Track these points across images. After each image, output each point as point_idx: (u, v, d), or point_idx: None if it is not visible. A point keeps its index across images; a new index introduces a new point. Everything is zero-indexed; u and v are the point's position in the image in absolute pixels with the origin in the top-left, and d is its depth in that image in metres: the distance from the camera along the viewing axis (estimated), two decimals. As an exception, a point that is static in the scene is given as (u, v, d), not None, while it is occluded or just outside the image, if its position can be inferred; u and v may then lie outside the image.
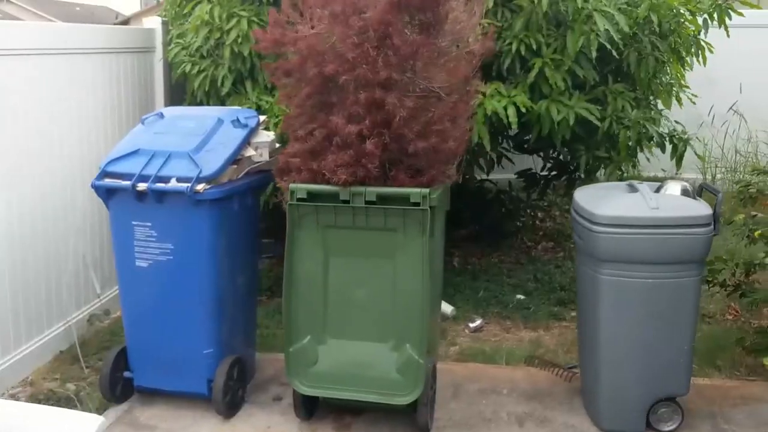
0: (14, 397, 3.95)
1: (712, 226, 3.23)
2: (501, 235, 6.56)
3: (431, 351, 3.58)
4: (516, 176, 6.41)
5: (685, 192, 3.39)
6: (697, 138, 5.69)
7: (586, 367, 3.67)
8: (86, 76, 4.61)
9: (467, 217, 6.79)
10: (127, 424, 3.60)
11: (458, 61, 3.24)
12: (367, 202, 3.18)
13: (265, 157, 3.72)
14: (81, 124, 4.55)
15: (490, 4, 4.49)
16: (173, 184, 3.34)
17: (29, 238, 4.13)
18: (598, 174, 5.56)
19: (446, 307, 5.12)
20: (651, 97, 5.27)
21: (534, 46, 4.49)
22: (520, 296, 5.41)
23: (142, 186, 3.35)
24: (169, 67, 5.29)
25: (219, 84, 4.76)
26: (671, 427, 3.49)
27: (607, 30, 4.30)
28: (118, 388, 3.74)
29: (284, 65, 3.31)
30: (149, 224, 3.45)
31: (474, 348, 4.57)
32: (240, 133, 3.59)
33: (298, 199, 3.24)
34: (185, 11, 5.03)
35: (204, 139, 3.53)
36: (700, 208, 3.25)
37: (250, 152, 3.65)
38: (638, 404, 3.44)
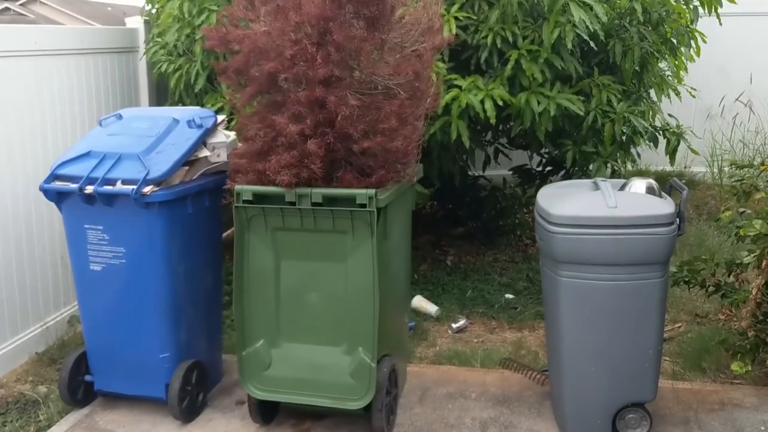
0: (-16, 399, 3.96)
1: (675, 226, 3.07)
2: (497, 233, 6.42)
3: (394, 354, 3.49)
4: (511, 172, 6.26)
5: (650, 189, 3.23)
6: (693, 132, 5.45)
7: (552, 370, 3.54)
8: (65, 77, 4.59)
9: (463, 214, 6.67)
10: (85, 429, 3.58)
11: (408, 57, 3.12)
12: (313, 204, 3.09)
13: (223, 158, 3.66)
14: (58, 125, 4.54)
15: (466, -3, 4.38)
16: (119, 186, 3.29)
17: (2, 241, 4.12)
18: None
19: (430, 307, 5.02)
20: (642, 90, 5.09)
21: (510, 39, 4.36)
22: (509, 296, 5.28)
23: (89, 189, 3.31)
24: (151, 66, 5.27)
25: (192, 82, 4.71)
26: (640, 434, 3.34)
27: (583, 20, 4.14)
28: (79, 392, 3.72)
29: (231, 64, 3.23)
30: (101, 227, 3.41)
31: (453, 349, 4.46)
32: (194, 134, 3.53)
33: (245, 201, 3.17)
34: (158, 6, 4.99)
35: (156, 141, 3.47)
36: (662, 207, 3.09)
37: (205, 153, 3.58)
38: (604, 410, 3.29)
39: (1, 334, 4.20)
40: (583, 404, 3.30)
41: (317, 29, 2.95)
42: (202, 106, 4.82)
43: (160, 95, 5.61)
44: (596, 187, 3.30)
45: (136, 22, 5.49)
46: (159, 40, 5.06)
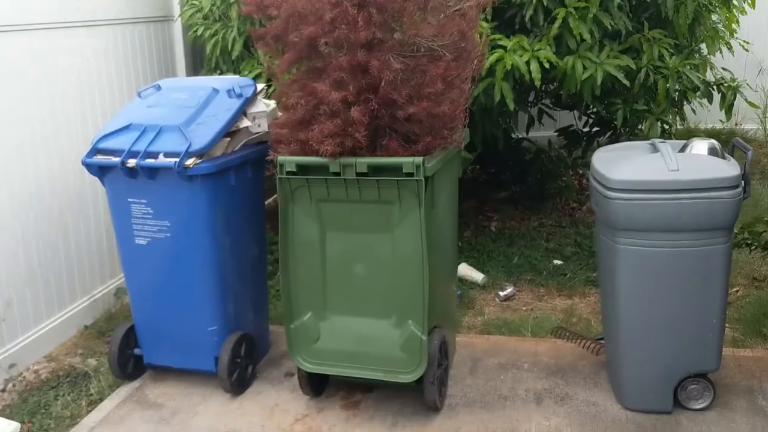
0: (36, 372, 4.00)
1: (740, 189, 2.90)
2: (542, 197, 6.26)
3: (443, 325, 3.41)
4: (556, 134, 6.07)
5: (712, 151, 3.06)
6: (748, 86, 5.19)
7: (609, 340, 3.43)
8: (101, 48, 4.54)
9: (506, 179, 6.52)
10: (136, 403, 3.58)
11: (452, 17, 2.97)
12: (358, 174, 2.99)
13: (264, 127, 3.57)
14: (96, 97, 4.50)
15: (509, -49, 4.18)
16: (161, 159, 3.23)
17: (48, 213, 4.13)
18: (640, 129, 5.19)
19: (476, 275, 4.92)
20: (694, 44, 4.84)
21: (557, -5, 4.16)
22: (557, 262, 5.15)
23: (131, 162, 3.26)
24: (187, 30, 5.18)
25: (229, 48, 4.61)
26: (702, 405, 3.22)
27: (634, -28, 3.92)
28: (129, 365, 3.72)
29: (269, 30, 3.12)
30: (144, 201, 3.37)
31: (501, 318, 4.37)
32: (234, 104, 3.45)
33: (288, 173, 3.08)
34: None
35: (196, 112, 3.40)
36: (727, 169, 2.92)
37: (246, 123, 3.50)
38: (664, 381, 3.18)
39: (50, 307, 4.22)
40: (643, 375, 3.19)
41: (358, -10, 2.82)
42: (239, 72, 4.73)
43: (197, 63, 5.53)
44: (655, 149, 3.14)
45: (170, -11, 5.39)
46: (195, 2, 4.95)
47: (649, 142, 3.26)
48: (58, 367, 4.05)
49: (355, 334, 3.23)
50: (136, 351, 3.71)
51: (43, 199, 4.11)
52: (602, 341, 3.70)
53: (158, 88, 3.69)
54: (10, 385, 3.83)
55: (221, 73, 4.91)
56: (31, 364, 4.07)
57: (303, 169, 3.08)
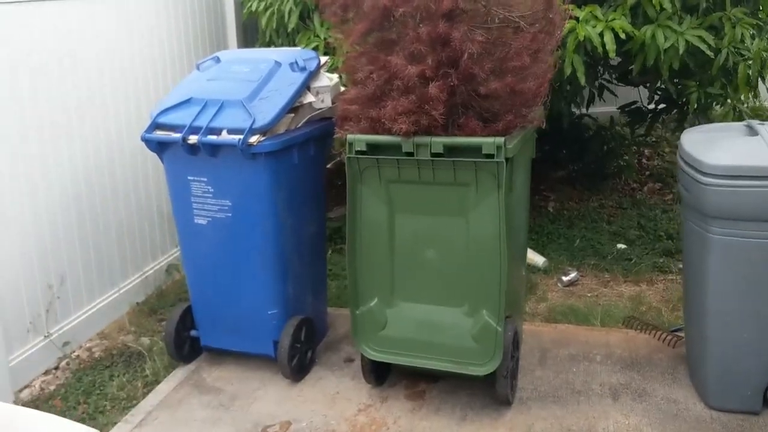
0: (89, 350, 3.92)
1: None
2: (602, 177, 6.02)
3: (514, 315, 3.24)
4: (619, 110, 5.80)
5: (818, 133, 2.81)
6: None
7: (692, 334, 3.22)
8: (154, 20, 4.39)
9: (564, 156, 6.28)
10: (193, 386, 3.48)
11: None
12: (433, 155, 2.81)
13: (327, 103, 3.40)
14: (148, 70, 4.37)
15: None
16: (224, 136, 3.07)
17: (98, 189, 4.03)
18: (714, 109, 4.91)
19: (537, 259, 4.73)
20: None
21: (634, -38, 3.89)
22: (621, 245, 4.93)
23: (193, 139, 3.11)
24: (241, 5, 5.02)
25: (285, 20, 4.43)
26: (795, 408, 3.01)
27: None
28: (185, 347, 3.62)
29: (339, -1, 2.93)
30: (205, 179, 3.23)
31: (566, 305, 4.18)
32: (298, 78, 3.28)
33: (357, 152, 2.91)
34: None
35: (259, 86, 3.23)
36: (839, 154, 2.68)
37: (309, 98, 3.33)
38: (755, 381, 2.97)
39: (102, 285, 4.13)
40: (731, 373, 2.99)
41: (440, -44, 2.61)
42: (295, 45, 4.56)
43: (248, 36, 5.37)
44: (753, 131, 2.90)
45: (222, -43, 5.22)
46: (247, -23, 4.78)
47: (745, 123, 3.02)
48: (111, 345, 3.97)
49: (423, 322, 3.07)
50: (193, 333, 3.61)
51: (97, 176, 4.02)
52: (679, 333, 3.50)
53: (217, 60, 3.53)
54: (63, 363, 3.76)
55: (275, 46, 4.74)
56: (84, 342, 3.99)
57: (373, 148, 2.90)
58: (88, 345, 3.98)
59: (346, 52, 3.07)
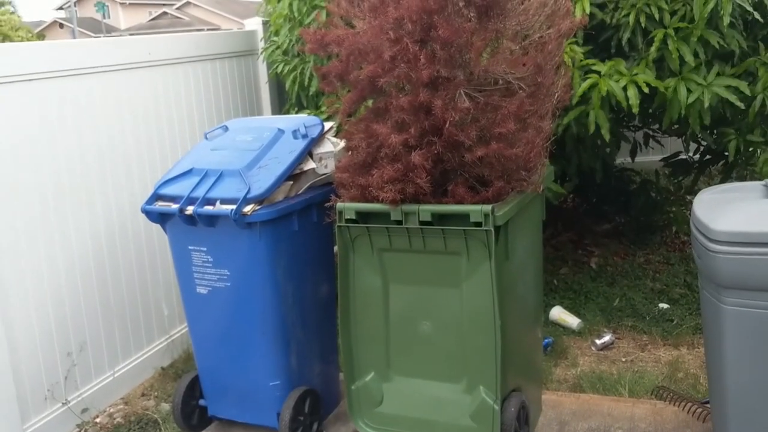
0: (110, 416, 3.95)
1: None
2: (648, 230, 5.75)
3: (525, 386, 3.07)
4: (662, 162, 5.56)
5: (842, 194, 2.58)
6: None
7: (715, 408, 2.96)
8: (182, 85, 4.51)
9: (609, 210, 6.05)
10: (199, 457, 3.44)
11: (528, 48, 2.66)
12: (422, 222, 2.72)
13: (331, 168, 3.37)
14: (176, 134, 4.46)
15: (603, -30, 3.82)
16: (219, 207, 3.08)
17: (122, 254, 4.10)
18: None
19: (571, 320, 4.52)
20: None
21: (656, 16, 3.74)
22: (663, 305, 4.67)
23: (189, 209, 3.13)
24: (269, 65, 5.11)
25: (306, 84, 4.47)
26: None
27: (746, -14, 3.47)
28: (194, 416, 3.59)
29: (332, 68, 2.91)
30: (204, 249, 3.23)
31: (596, 372, 3.95)
32: (298, 145, 3.26)
33: (348, 220, 2.85)
34: (273, 6, 4.80)
35: (259, 155, 3.24)
36: None
37: (311, 165, 3.31)
38: (783, 465, 2.69)
39: (125, 349, 4.17)
40: (756, 456, 2.72)
41: (419, 25, 2.56)
42: (318, 107, 4.58)
43: (281, 97, 5.45)
44: (769, 192, 2.69)
45: (254, 24, 5.35)
46: (275, 39, 4.87)
47: (763, 183, 2.80)
48: (131, 411, 3.99)
49: (421, 399, 2.94)
50: (201, 402, 3.57)
51: (121, 241, 4.09)
52: (709, 406, 3.23)
53: (225, 129, 3.57)
54: (81, 430, 3.79)
55: (302, 108, 4.78)
56: (106, 407, 4.02)
57: (363, 216, 2.84)
58: (110, 410, 4.02)
59: (343, 120, 3.04)
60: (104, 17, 46.76)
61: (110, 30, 44.53)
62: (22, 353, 3.50)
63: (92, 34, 40.07)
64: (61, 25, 49.33)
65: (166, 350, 4.47)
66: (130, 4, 53.78)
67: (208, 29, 32.23)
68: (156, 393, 4.17)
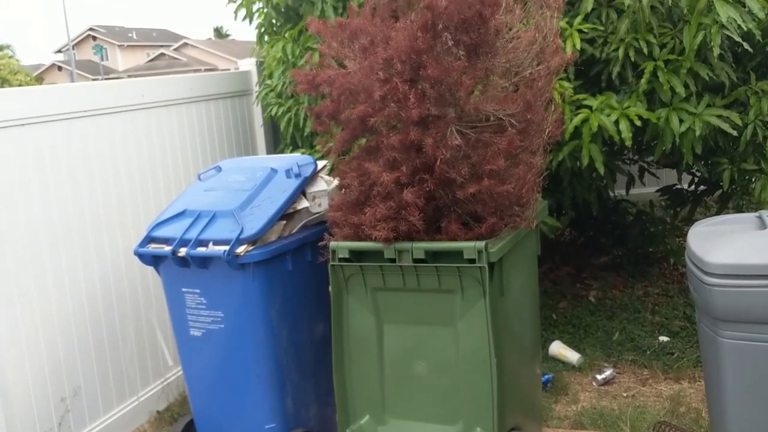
0: (104, 463, 3.89)
1: None
2: (646, 262, 5.73)
3: (525, 423, 3.03)
4: (658, 193, 5.57)
5: (836, 224, 2.57)
6: None
7: (719, 446, 2.92)
8: (176, 126, 4.53)
9: (606, 242, 6.03)
10: (194, 504, 3.37)
11: (517, 85, 2.68)
12: (415, 260, 2.71)
13: (325, 206, 3.36)
14: (170, 175, 4.47)
15: (589, 7, 3.86)
16: (211, 248, 3.07)
17: (116, 299, 4.07)
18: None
19: (572, 356, 4.48)
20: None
21: (645, 49, 3.78)
22: (664, 338, 4.63)
23: (182, 251, 3.12)
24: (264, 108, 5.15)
25: (301, 125, 4.50)
26: None
27: (733, 20, 3.50)
28: (190, 461, 3.53)
29: (323, 108, 2.93)
30: (198, 291, 3.21)
31: (597, 407, 3.91)
32: (291, 185, 3.27)
33: (341, 259, 2.84)
34: (267, 49, 4.85)
35: (252, 195, 3.24)
36: None
37: (304, 204, 3.30)
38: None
39: (120, 394, 4.12)
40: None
41: (408, 64, 2.58)
42: (313, 147, 4.59)
43: (275, 136, 5.47)
44: (763, 224, 2.68)
45: (248, 64, 5.40)
46: (269, 82, 4.91)
47: (756, 214, 2.80)
48: (125, 457, 3.92)
49: (417, 440, 2.89)
50: (197, 445, 3.52)
51: (116, 285, 4.07)
52: (714, 442, 3.18)
53: (218, 169, 3.57)
54: (75, 477, 3.73)
55: (297, 148, 4.80)
56: (99, 453, 3.96)
57: (357, 255, 2.83)
58: (102, 456, 3.95)
59: (336, 159, 3.05)
60: (102, 59, 47.31)
61: (108, 72, 45.01)
62: (13, 400, 3.46)
63: (90, 77, 40.54)
64: (60, 68, 49.90)
65: (162, 394, 4.42)
66: (128, 46, 54.46)
67: (205, 69, 32.59)
68: (151, 437, 4.12)
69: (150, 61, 48.27)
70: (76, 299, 3.81)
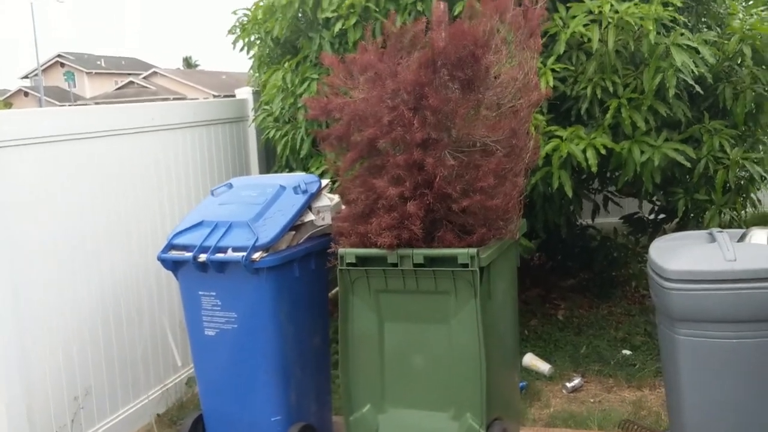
0: (108, 462, 4.13)
1: (803, 277, 2.85)
2: (610, 285, 6.19)
3: (505, 417, 3.40)
4: (621, 221, 6.05)
5: (772, 239, 3.03)
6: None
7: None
8: (180, 149, 4.87)
9: (573, 266, 6.49)
10: (202, 492, 3.65)
11: (504, 115, 3.11)
12: (415, 265, 3.10)
13: (328, 220, 3.74)
14: (174, 194, 4.80)
15: (562, 49, 4.33)
16: (230, 254, 3.42)
17: (125, 307, 4.37)
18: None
19: (543, 366, 4.87)
20: (760, 133, 4.84)
21: (610, 88, 4.26)
22: (626, 351, 5.05)
23: (202, 257, 3.46)
24: (260, 131, 5.51)
25: (298, 147, 4.88)
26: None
27: (687, 64, 4.00)
28: (197, 454, 3.82)
29: (333, 131, 3.33)
30: (214, 293, 3.54)
31: (568, 411, 4.29)
32: (299, 200, 3.64)
33: (348, 264, 3.21)
34: (265, 78, 5.24)
35: (263, 208, 3.60)
36: (787, 257, 2.89)
37: (310, 217, 3.68)
38: (736, 479, 3.05)
39: (125, 396, 4.39)
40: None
41: (413, 95, 3.00)
42: (307, 169, 4.97)
43: (269, 159, 5.84)
44: (712, 238, 3.13)
45: (245, 93, 5.78)
46: (266, 107, 5.28)
47: (707, 231, 3.26)
48: (133, 454, 4.18)
49: (413, 427, 3.25)
50: (205, 440, 3.82)
51: (125, 294, 4.36)
52: (671, 435, 3.59)
53: (230, 186, 3.93)
54: (85, 472, 3.98)
55: (291, 170, 5.17)
56: (103, 453, 4.22)
57: (362, 260, 3.20)
58: (109, 454, 4.20)
59: (343, 176, 3.43)
60: (71, 86, 47.16)
61: (77, 98, 44.89)
62: (34, 397, 3.72)
63: (58, 103, 40.36)
64: (26, 94, 49.59)
65: (161, 398, 4.69)
66: (96, 73, 54.35)
67: (174, 98, 32.81)
68: (155, 437, 4.37)
69: (118, 88, 48.27)
70: (90, 307, 4.11)
